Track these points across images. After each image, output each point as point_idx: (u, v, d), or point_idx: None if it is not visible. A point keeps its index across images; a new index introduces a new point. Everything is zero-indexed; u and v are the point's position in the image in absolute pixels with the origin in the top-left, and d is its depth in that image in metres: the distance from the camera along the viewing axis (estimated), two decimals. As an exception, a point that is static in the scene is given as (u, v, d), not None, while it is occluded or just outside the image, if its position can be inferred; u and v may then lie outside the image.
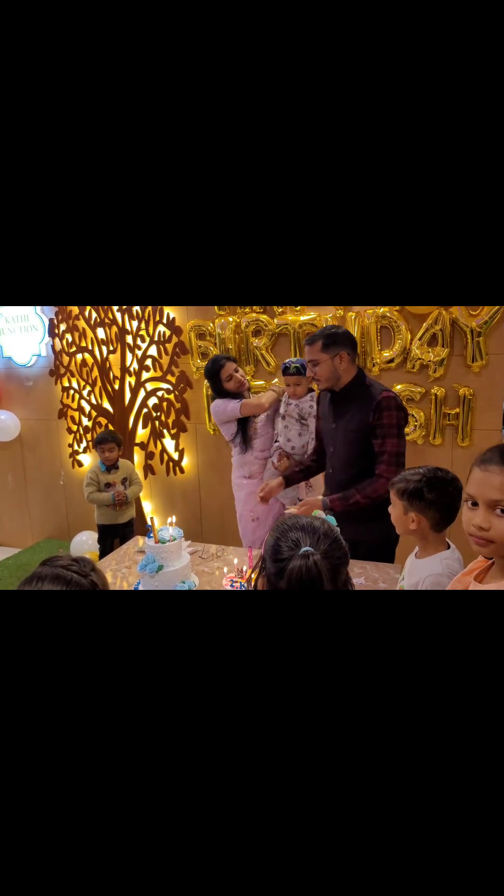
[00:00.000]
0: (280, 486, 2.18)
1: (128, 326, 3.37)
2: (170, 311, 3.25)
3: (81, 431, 3.69)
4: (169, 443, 3.45)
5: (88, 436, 3.68)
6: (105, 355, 3.48)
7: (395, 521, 1.44)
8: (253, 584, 0.99)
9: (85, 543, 3.54)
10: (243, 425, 2.48)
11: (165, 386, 3.36)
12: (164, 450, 3.47)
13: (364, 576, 1.84)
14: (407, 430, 2.78)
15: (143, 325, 3.33)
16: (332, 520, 0.96)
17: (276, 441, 2.46)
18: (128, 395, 3.50)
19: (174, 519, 2.00)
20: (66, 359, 3.60)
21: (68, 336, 3.55)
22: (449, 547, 1.40)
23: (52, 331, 3.59)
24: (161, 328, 3.28)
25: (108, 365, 3.50)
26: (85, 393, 3.61)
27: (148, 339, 3.33)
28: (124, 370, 3.46)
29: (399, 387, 2.77)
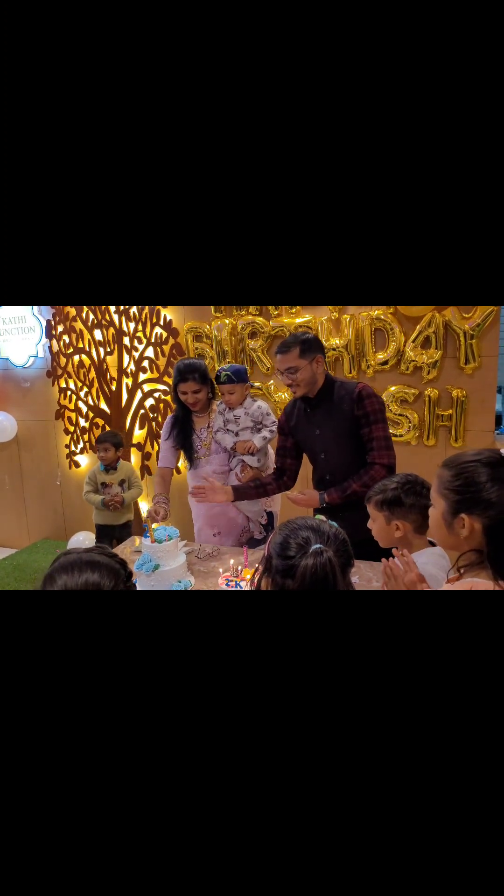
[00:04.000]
0: (226, 497, 2.10)
1: (125, 328, 3.39)
2: (166, 313, 3.28)
3: (78, 432, 3.71)
4: (165, 444, 3.47)
5: (85, 437, 3.69)
6: (102, 357, 3.50)
7: (379, 534, 1.49)
8: (256, 584, 0.97)
9: (81, 544, 3.55)
10: (186, 441, 2.33)
11: (162, 387, 3.38)
12: (160, 451, 3.48)
13: (358, 574, 1.87)
14: (401, 430, 2.82)
15: (139, 327, 3.35)
16: (334, 524, 0.97)
17: (235, 454, 2.30)
18: (125, 397, 3.52)
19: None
20: (63, 360, 3.61)
21: (65, 337, 3.57)
22: (433, 545, 1.43)
23: (49, 332, 3.61)
24: (158, 330, 3.30)
25: (105, 366, 3.52)
26: (82, 394, 3.63)
27: (145, 341, 3.35)
28: (121, 371, 3.48)
29: (393, 388, 2.80)
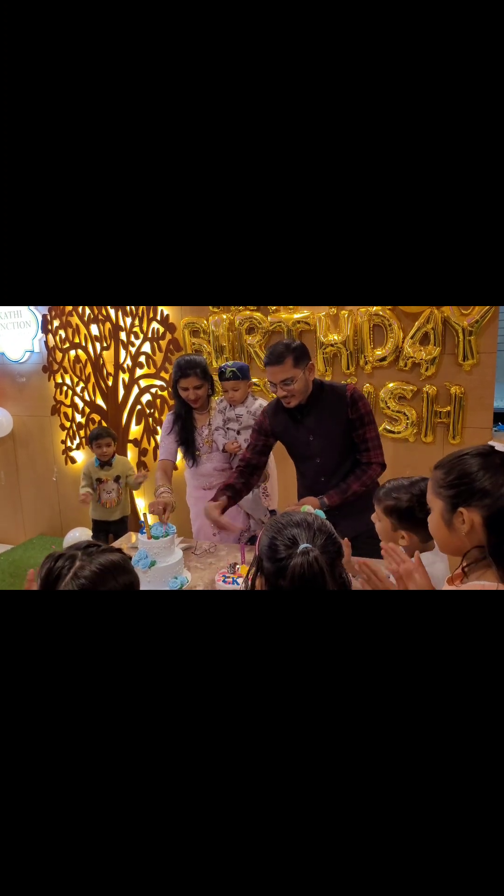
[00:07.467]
0: (218, 516, 1.99)
1: (121, 323, 3.37)
2: (164, 309, 3.26)
3: (74, 428, 3.69)
4: (162, 440, 3.46)
5: (82, 432, 3.67)
6: (98, 352, 3.48)
7: (382, 534, 1.46)
8: (250, 584, 0.99)
9: (77, 540, 3.54)
10: (189, 438, 2.30)
11: (159, 383, 3.37)
12: (157, 446, 3.47)
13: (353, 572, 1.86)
14: (399, 427, 2.81)
15: (136, 322, 3.33)
16: (321, 514, 0.98)
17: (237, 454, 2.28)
18: (121, 392, 3.50)
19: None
20: (59, 355, 3.59)
21: (61, 332, 3.54)
22: (433, 548, 1.42)
23: (45, 327, 3.58)
24: (155, 325, 3.28)
25: (101, 361, 3.50)
26: (78, 389, 3.60)
27: (141, 336, 3.33)
28: (118, 367, 3.46)
29: (391, 385, 2.79)
